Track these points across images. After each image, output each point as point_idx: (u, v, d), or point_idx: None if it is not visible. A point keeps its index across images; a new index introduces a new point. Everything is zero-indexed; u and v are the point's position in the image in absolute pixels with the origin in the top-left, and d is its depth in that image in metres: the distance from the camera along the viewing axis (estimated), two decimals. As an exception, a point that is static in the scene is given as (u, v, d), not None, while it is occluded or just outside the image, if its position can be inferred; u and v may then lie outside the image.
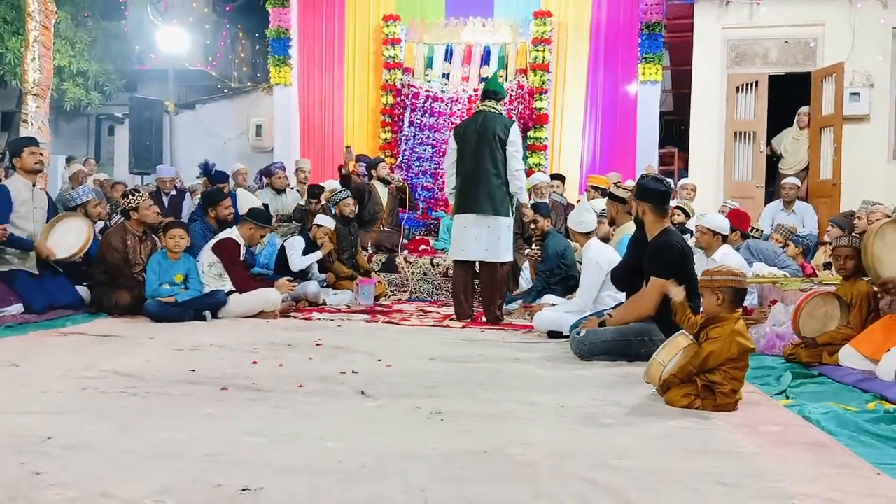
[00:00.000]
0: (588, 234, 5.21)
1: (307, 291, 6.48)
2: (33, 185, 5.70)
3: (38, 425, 2.66)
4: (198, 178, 8.11)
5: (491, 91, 5.84)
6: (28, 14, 7.53)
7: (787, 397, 3.42)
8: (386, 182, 8.17)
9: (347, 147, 8.27)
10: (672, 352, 3.09)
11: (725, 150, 9.10)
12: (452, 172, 5.81)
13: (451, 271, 7.47)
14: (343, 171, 7.98)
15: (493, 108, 5.75)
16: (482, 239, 5.61)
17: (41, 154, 5.78)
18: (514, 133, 5.69)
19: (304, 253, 6.67)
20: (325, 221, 6.83)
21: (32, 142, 5.84)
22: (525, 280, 6.76)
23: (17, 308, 5.24)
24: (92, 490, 2.07)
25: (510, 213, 5.73)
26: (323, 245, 6.74)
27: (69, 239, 5.65)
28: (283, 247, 6.84)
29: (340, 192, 7.38)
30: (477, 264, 5.82)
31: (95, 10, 14.63)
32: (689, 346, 3.11)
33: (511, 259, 5.87)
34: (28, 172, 5.63)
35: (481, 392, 3.37)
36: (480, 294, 6.01)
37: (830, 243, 5.67)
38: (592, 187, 7.61)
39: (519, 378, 3.72)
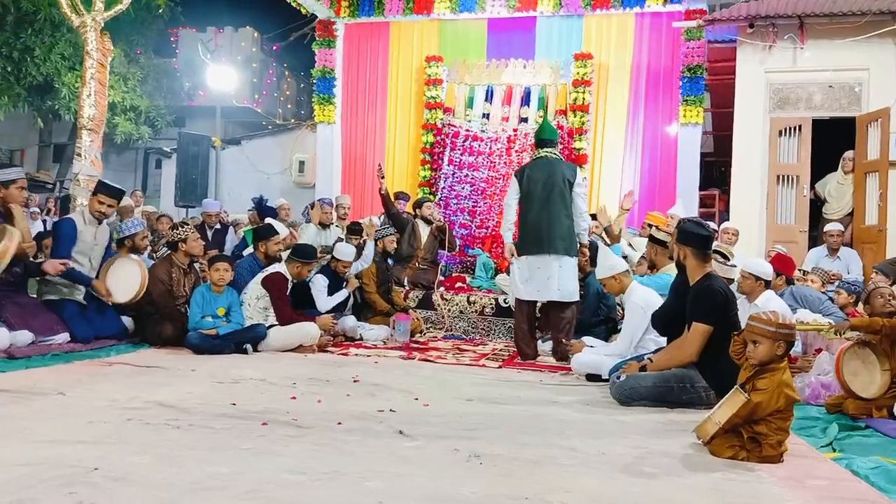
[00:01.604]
0: (621, 278, 5.12)
1: (345, 326, 6.54)
2: (99, 223, 5.84)
3: (85, 455, 2.70)
4: (249, 210, 8.32)
5: (547, 140, 6.00)
6: (86, 52, 7.85)
7: (834, 450, 3.34)
8: (429, 222, 8.25)
9: (379, 166, 8.40)
10: (730, 410, 3.01)
11: (768, 194, 9.01)
12: (514, 210, 5.92)
13: (486, 309, 7.51)
14: (382, 192, 8.11)
15: (554, 153, 5.98)
16: (555, 279, 5.74)
17: (109, 206, 5.88)
18: (580, 176, 5.97)
19: (330, 288, 6.73)
20: (345, 254, 6.82)
21: (114, 192, 5.93)
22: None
23: (64, 337, 5.35)
24: (138, 523, 2.11)
25: (577, 254, 5.88)
26: (348, 282, 6.81)
27: (126, 282, 5.75)
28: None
29: (386, 227, 7.50)
30: (538, 304, 6.00)
31: (148, 47, 15.19)
32: (739, 399, 3.03)
33: (578, 298, 5.92)
34: (100, 213, 5.80)
35: (520, 435, 3.34)
36: (550, 332, 6.09)
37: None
38: (649, 225, 7.56)
39: (558, 422, 3.69)
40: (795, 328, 3.15)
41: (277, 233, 6.58)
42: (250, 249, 6.73)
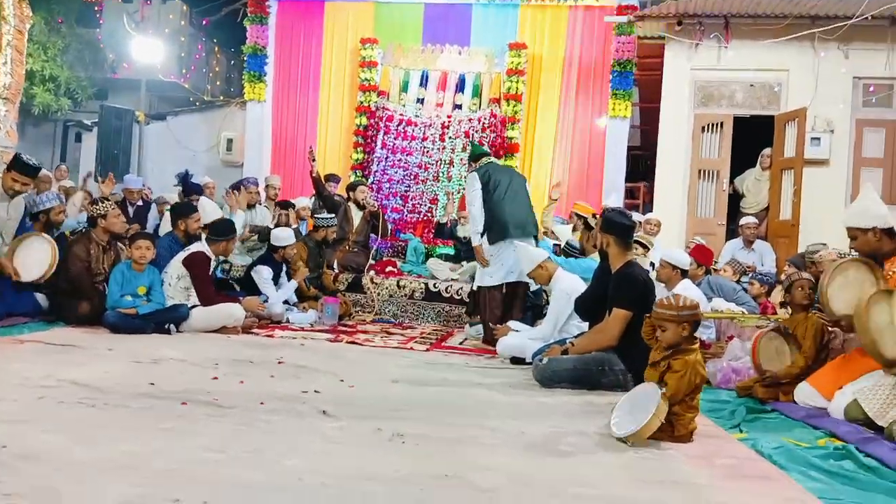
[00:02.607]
0: (546, 267, 5.22)
1: (272, 311, 6.42)
2: (10, 198, 5.57)
3: (-7, 434, 2.61)
4: (175, 185, 8.10)
5: (484, 153, 6.36)
6: (2, 17, 7.45)
7: (742, 431, 3.50)
8: (361, 206, 8.20)
9: (310, 149, 8.31)
10: (658, 422, 3.04)
11: (689, 187, 9.33)
12: (482, 210, 6.00)
13: (416, 294, 7.53)
14: (313, 175, 8.04)
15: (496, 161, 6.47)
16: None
17: (24, 184, 5.65)
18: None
19: (274, 278, 6.65)
20: (284, 239, 6.71)
21: (30, 171, 5.67)
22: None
23: (-27, 314, 5.13)
24: (49, 502, 2.05)
25: None
26: (298, 271, 6.74)
27: (34, 259, 5.49)
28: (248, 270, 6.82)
29: (329, 217, 7.47)
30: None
31: (70, 16, 14.53)
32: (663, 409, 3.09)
33: None
34: (5, 189, 5.53)
35: (444, 416, 3.39)
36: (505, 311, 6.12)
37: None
38: (576, 215, 7.70)
39: (481, 403, 3.75)
40: (697, 309, 3.28)
41: (196, 210, 6.39)
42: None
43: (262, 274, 6.58)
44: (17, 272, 5.39)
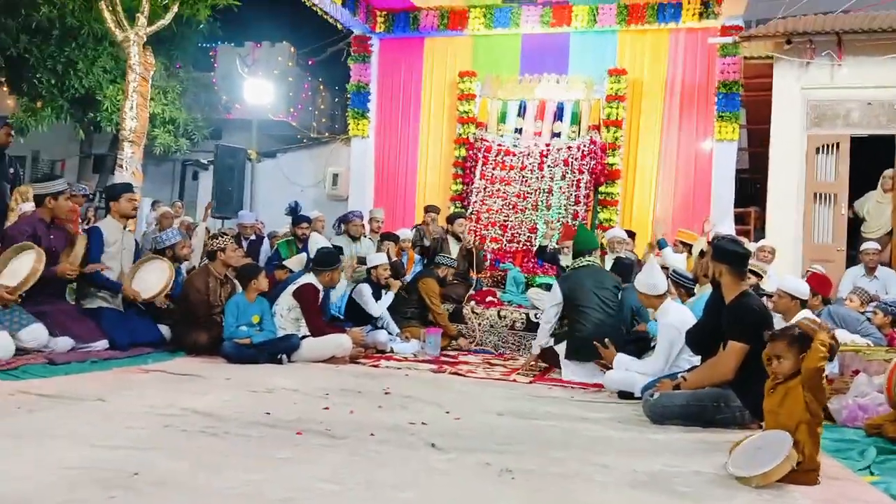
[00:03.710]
0: (660, 297, 5.08)
1: (377, 340, 6.58)
2: (124, 228, 6.02)
3: (125, 460, 2.76)
4: (286, 214, 8.49)
5: (591, 248, 6.24)
6: (129, 66, 8.04)
7: (872, 473, 3.28)
8: (460, 239, 8.30)
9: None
10: (789, 466, 2.90)
11: (805, 212, 8.91)
12: (552, 323, 6.02)
13: (517, 324, 7.51)
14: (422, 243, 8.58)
15: (596, 261, 6.29)
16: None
17: (136, 200, 6.16)
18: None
19: (374, 296, 6.93)
20: (378, 258, 7.12)
21: (129, 188, 6.22)
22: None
23: (103, 344, 5.45)
24: (177, 527, 2.15)
25: None
26: (392, 284, 7.00)
27: (152, 281, 5.92)
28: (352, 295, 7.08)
29: (450, 258, 7.76)
30: None
31: (187, 61, 15.48)
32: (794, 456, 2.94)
33: None
34: (122, 216, 5.97)
35: (552, 451, 3.34)
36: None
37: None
38: (681, 242, 7.49)
39: (590, 438, 3.68)
40: (836, 341, 3.10)
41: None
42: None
43: (363, 291, 6.93)
44: (137, 295, 5.77)
